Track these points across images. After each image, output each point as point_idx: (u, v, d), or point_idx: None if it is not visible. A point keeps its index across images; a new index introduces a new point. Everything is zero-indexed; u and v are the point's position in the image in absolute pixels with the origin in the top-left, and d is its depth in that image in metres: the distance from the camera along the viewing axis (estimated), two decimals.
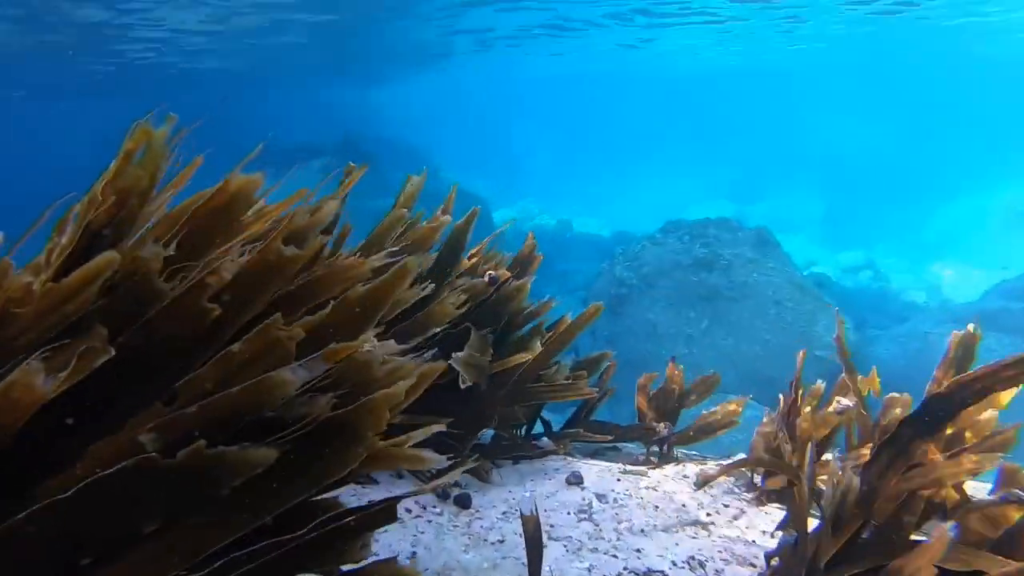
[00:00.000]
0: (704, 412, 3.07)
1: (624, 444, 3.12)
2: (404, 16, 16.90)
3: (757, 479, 2.55)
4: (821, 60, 32.25)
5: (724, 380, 8.91)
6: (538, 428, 2.84)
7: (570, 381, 2.69)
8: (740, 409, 3.06)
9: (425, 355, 1.88)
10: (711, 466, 2.77)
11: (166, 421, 0.95)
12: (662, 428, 2.82)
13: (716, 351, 8.98)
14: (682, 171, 36.55)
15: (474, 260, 2.69)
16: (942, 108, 41.35)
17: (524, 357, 2.39)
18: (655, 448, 2.91)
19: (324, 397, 1.06)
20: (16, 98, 22.15)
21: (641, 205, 29.34)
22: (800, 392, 2.50)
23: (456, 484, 2.22)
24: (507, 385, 2.44)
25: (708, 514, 2.25)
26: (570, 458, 2.68)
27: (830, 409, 2.46)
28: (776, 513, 2.32)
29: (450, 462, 2.16)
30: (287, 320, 1.05)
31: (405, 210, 2.47)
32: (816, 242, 23.59)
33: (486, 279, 2.53)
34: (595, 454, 3.02)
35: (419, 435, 1.23)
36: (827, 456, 2.38)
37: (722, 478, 2.48)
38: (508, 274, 2.56)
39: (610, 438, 2.75)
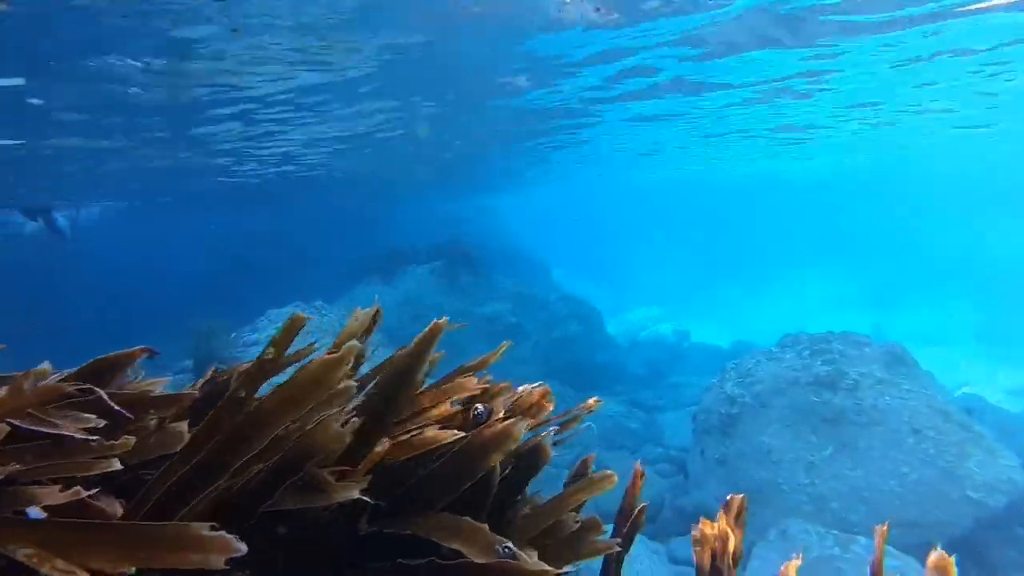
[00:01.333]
0: None
1: None
2: (525, 139, 17.40)
3: None
4: (968, 155, 30.13)
5: (853, 518, 7.71)
6: None
7: (578, 527, 1.76)
8: None
9: None
10: None
11: None
12: None
13: (842, 482, 7.82)
14: (813, 277, 34.67)
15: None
16: None
17: None
18: None
19: None
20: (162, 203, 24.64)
21: (766, 314, 27.84)
22: None
23: None
24: None
25: None
26: None
27: None
28: None
29: None
30: None
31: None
32: (971, 358, 20.92)
33: (471, 414, 1.79)
34: None
35: None
36: None
37: None
38: (500, 412, 1.73)
39: None
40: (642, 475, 2.16)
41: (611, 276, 38.57)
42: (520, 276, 19.54)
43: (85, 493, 1.01)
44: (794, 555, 2.44)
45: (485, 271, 18.49)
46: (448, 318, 1.99)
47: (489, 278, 18.13)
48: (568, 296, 18.95)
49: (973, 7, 8.51)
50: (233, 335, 12.36)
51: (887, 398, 7.98)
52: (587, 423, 2.31)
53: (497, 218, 31.74)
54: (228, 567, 0.93)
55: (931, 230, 40.16)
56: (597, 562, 2.10)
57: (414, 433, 1.51)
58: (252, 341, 11.73)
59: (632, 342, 22.99)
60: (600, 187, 38.40)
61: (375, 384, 1.64)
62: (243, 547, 0.95)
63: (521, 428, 1.61)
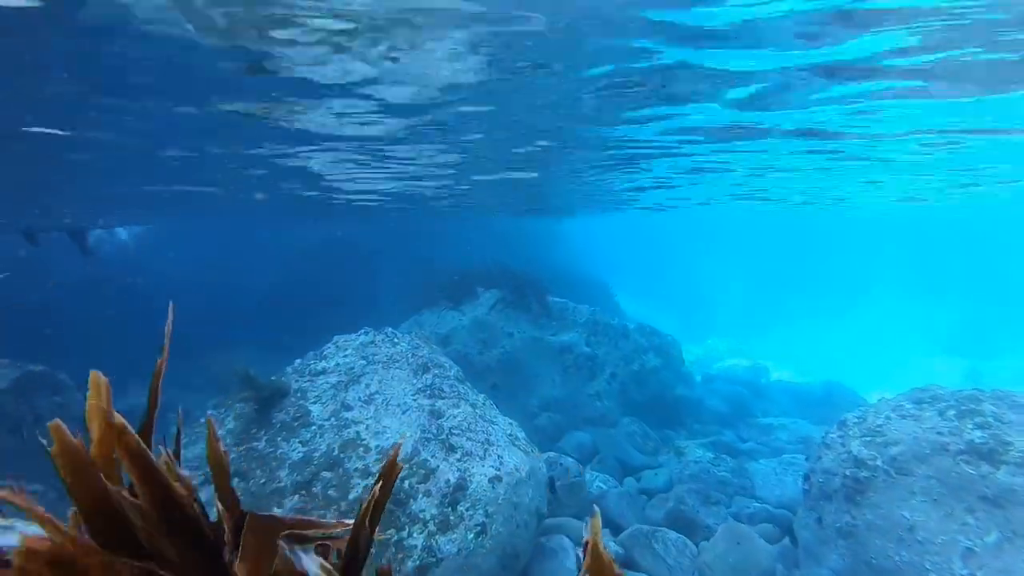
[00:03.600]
0: None
1: None
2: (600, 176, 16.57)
3: None
4: None
5: None
6: None
7: None
8: None
9: None
10: None
11: None
12: None
13: None
14: (891, 316, 32.62)
15: None
16: None
17: None
18: None
19: None
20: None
21: (846, 353, 26.14)
22: None
23: None
24: None
25: None
26: None
27: None
28: None
29: None
30: None
31: None
32: None
33: None
34: None
35: None
36: None
37: None
38: None
39: None
40: None
41: (674, 305, 37.17)
42: (592, 303, 18.55)
43: None
44: None
45: (557, 296, 17.58)
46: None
47: (562, 304, 17.21)
48: (645, 326, 17.88)
49: None
50: (299, 362, 11.71)
51: None
52: None
53: (564, 240, 30.82)
54: None
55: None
56: None
57: None
58: (319, 370, 11.04)
59: (706, 376, 21.71)
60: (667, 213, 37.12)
61: None
62: None
63: None
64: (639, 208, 20.77)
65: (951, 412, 8.07)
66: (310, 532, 1.72)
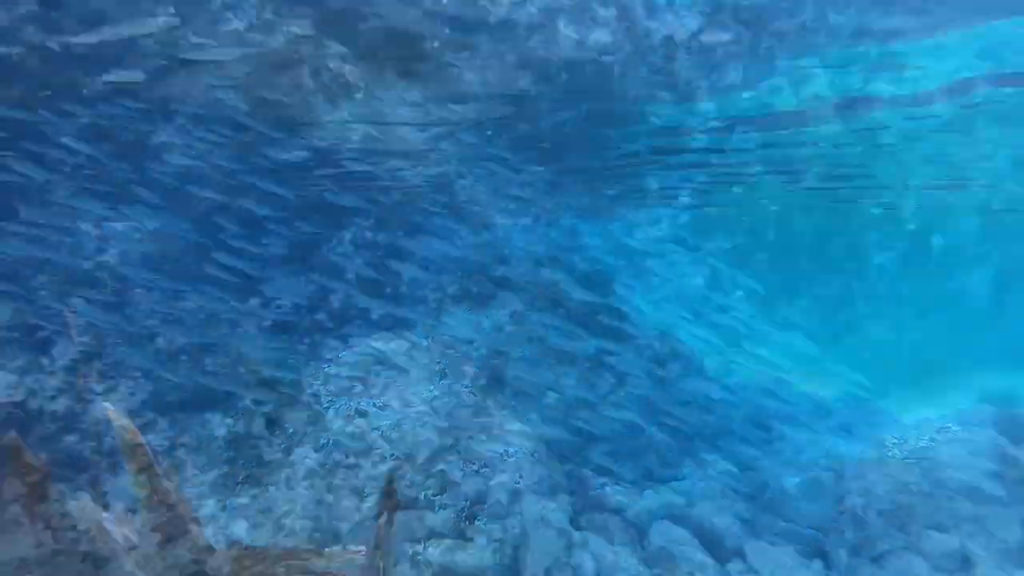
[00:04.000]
0: None
1: None
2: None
3: None
4: None
5: None
6: None
7: None
8: None
9: None
10: None
11: None
12: None
13: None
14: (923, 320, 31.83)
15: None
16: None
17: None
18: None
19: None
20: None
21: (874, 360, 25.46)
22: None
23: None
24: None
25: None
26: None
27: None
28: None
29: None
30: None
31: None
32: None
33: None
34: None
35: None
36: None
37: None
38: None
39: None
40: None
41: (697, 307, 36.54)
42: (612, 306, 18.12)
43: None
44: None
45: (578, 300, 17.18)
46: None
47: (585, 309, 16.81)
48: (669, 333, 17.41)
49: None
50: (314, 364, 11.38)
51: None
52: None
53: (584, 241, 30.32)
54: None
55: None
56: None
57: None
58: (335, 373, 10.71)
59: (729, 386, 21.12)
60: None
61: None
62: None
63: None
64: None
65: (1005, 438, 7.59)
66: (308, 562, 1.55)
